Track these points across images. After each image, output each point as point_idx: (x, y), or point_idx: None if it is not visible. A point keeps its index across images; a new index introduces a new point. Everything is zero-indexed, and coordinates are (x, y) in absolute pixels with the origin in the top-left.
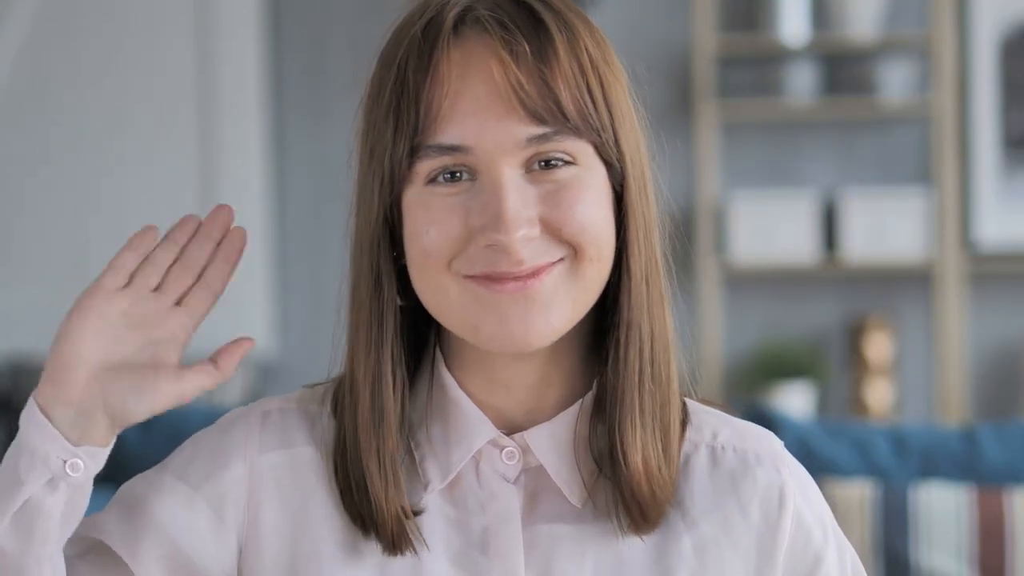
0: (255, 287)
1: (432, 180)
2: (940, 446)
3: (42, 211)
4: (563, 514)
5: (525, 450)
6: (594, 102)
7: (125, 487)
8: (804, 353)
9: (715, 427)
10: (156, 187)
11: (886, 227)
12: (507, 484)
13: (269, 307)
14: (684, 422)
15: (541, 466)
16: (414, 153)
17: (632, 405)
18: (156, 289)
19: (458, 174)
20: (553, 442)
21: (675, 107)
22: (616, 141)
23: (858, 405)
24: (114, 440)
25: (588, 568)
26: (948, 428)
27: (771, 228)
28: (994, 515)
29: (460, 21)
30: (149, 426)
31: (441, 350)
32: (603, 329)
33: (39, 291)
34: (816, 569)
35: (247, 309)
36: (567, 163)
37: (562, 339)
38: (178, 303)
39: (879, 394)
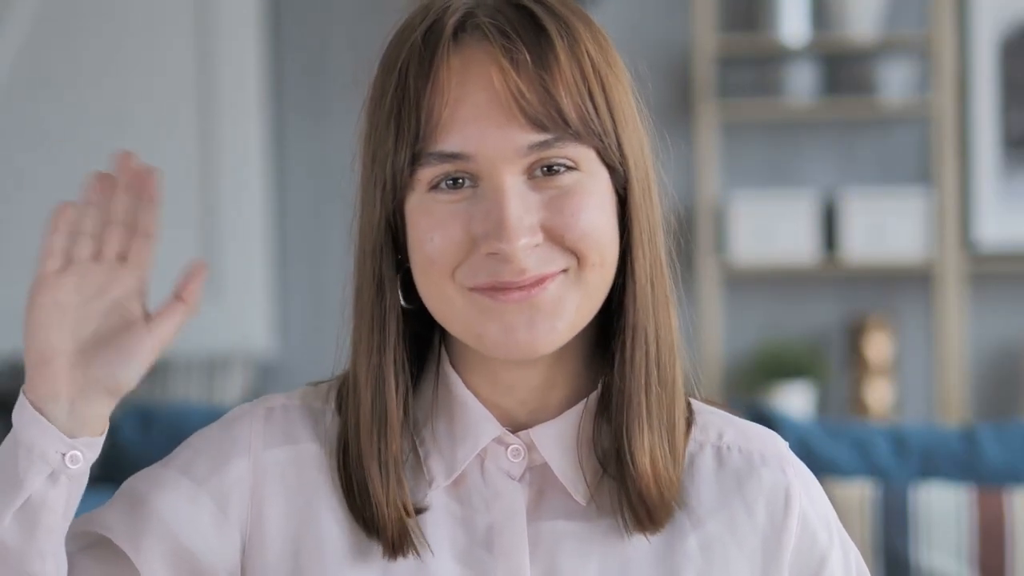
0: (255, 287)
1: (434, 187)
2: (940, 446)
3: (42, 211)
4: (568, 512)
5: (530, 448)
6: (596, 107)
7: (128, 482)
8: (804, 353)
9: (720, 427)
10: None
11: (886, 227)
12: (512, 482)
13: (269, 307)
14: (689, 422)
15: (546, 464)
16: (416, 160)
17: (639, 408)
18: (96, 257)
19: (460, 181)
20: (558, 440)
21: (675, 107)
22: (619, 145)
23: (858, 405)
24: (107, 426)
25: (593, 566)
26: (948, 428)
27: (771, 228)
28: (994, 515)
29: (460, 27)
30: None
31: (446, 349)
32: (607, 330)
33: None
34: (821, 570)
35: (247, 309)
36: (569, 169)
37: (567, 343)
38: (122, 259)
39: (879, 394)
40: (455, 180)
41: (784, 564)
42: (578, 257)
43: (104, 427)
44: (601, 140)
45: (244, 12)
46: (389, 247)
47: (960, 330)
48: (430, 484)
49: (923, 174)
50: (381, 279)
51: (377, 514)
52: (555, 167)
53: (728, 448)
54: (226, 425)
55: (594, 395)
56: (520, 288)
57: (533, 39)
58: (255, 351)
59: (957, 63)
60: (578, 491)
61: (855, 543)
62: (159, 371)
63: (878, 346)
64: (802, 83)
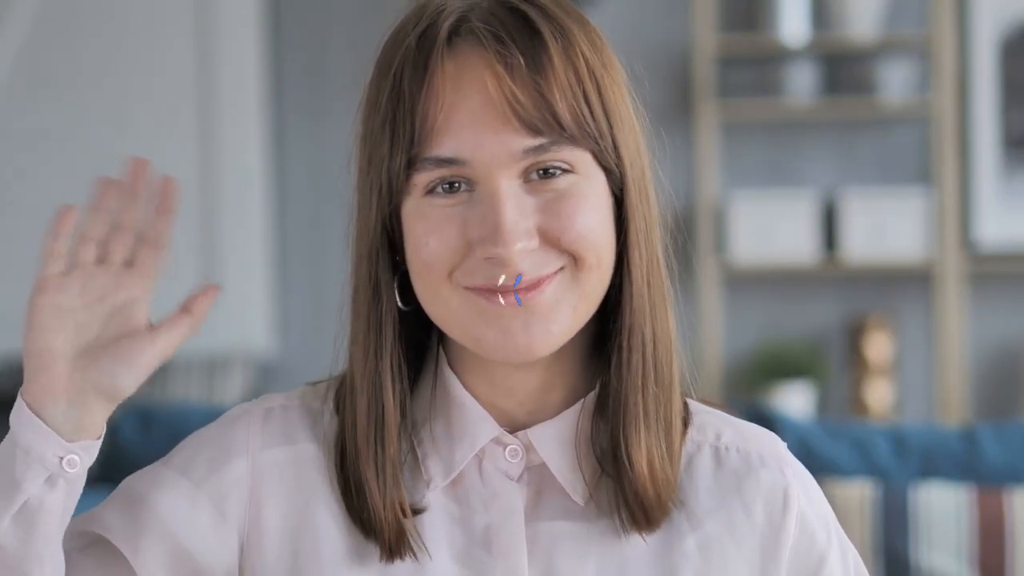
0: (255, 287)
1: (430, 191)
2: (940, 446)
3: (42, 210)
4: (566, 512)
5: (528, 448)
6: (591, 110)
7: (127, 481)
8: (804, 353)
9: (718, 427)
10: None
11: (886, 227)
12: (510, 482)
13: (269, 307)
14: (686, 421)
15: (544, 464)
16: (411, 165)
17: (636, 408)
18: (100, 261)
19: (456, 185)
20: (556, 440)
21: (675, 107)
22: (615, 147)
23: (858, 405)
24: (104, 430)
25: (591, 566)
26: (948, 428)
27: (771, 228)
28: (994, 515)
29: (454, 32)
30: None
31: (444, 350)
32: (605, 331)
33: None
34: (819, 570)
35: (247, 309)
36: (565, 172)
37: (564, 344)
38: (128, 265)
39: (879, 394)
40: (451, 184)
41: (782, 564)
42: (575, 258)
43: (102, 431)
44: (597, 142)
45: (244, 12)
46: (386, 250)
47: (960, 330)
48: (428, 485)
49: (923, 174)
50: (378, 282)
51: (374, 516)
52: (551, 170)
53: (726, 448)
54: (225, 425)
55: (592, 395)
56: (517, 291)
57: (527, 42)
58: (255, 351)
59: (957, 63)
60: (576, 491)
61: (855, 543)
62: (159, 371)
63: (878, 346)
64: (802, 83)
